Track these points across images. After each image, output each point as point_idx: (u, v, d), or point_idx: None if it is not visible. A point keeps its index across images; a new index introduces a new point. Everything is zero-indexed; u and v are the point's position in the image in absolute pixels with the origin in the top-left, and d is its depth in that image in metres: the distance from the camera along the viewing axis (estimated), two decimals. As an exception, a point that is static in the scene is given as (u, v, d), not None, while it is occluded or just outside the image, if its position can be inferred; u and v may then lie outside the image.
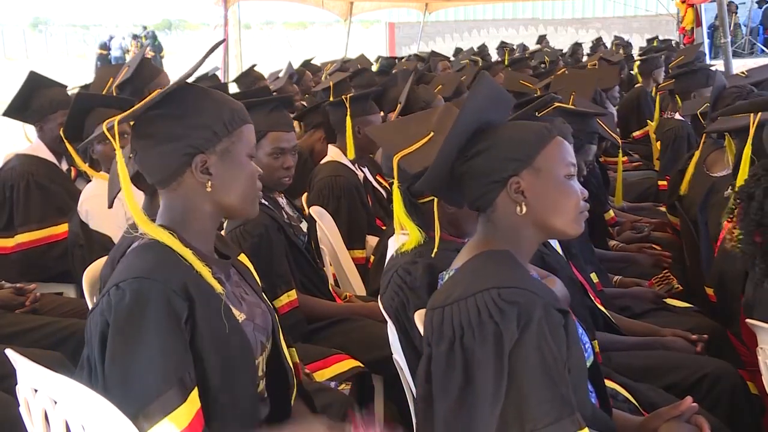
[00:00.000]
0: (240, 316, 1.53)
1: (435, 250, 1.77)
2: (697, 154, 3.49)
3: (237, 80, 5.94)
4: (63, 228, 3.36)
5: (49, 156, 3.51)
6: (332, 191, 3.30)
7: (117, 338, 1.39)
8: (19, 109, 3.50)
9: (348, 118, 3.42)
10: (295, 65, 7.33)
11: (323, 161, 3.54)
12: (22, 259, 3.31)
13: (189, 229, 1.52)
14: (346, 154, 3.44)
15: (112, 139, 1.43)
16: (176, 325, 1.40)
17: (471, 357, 1.41)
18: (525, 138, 1.53)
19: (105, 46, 23.56)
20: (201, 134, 1.48)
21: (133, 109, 1.49)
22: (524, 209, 1.50)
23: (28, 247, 3.31)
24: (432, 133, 1.96)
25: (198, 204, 1.52)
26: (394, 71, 6.54)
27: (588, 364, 1.64)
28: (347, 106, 3.43)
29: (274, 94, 4.34)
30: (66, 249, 3.35)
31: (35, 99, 3.47)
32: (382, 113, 3.96)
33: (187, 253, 1.46)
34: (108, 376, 1.39)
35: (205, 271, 1.47)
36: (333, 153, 3.49)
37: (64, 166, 3.64)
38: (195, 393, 1.40)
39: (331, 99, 4.01)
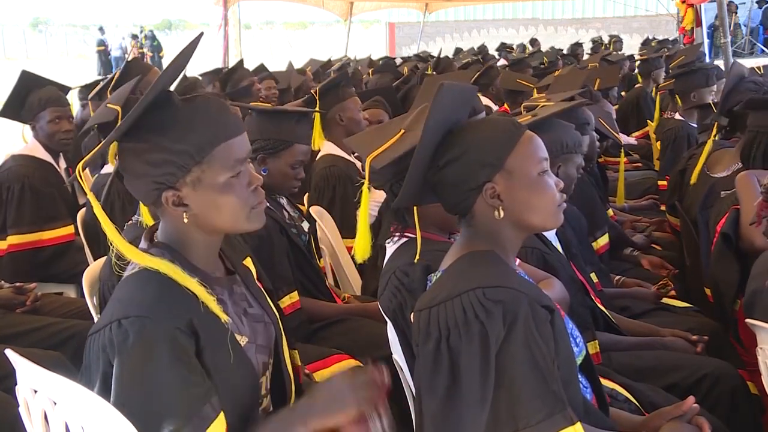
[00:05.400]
0: (242, 340, 1.49)
1: (417, 254, 1.75)
2: (703, 156, 3.43)
3: (222, 80, 5.93)
4: (50, 234, 3.38)
5: (45, 156, 3.51)
6: (327, 182, 3.34)
7: (123, 383, 1.33)
8: (14, 109, 3.51)
9: (317, 109, 3.52)
10: (296, 65, 7.35)
11: (319, 156, 3.58)
12: (10, 262, 3.32)
13: (188, 248, 1.47)
14: (339, 146, 3.49)
15: (83, 183, 1.40)
16: (187, 359, 1.35)
17: (457, 357, 1.41)
18: (494, 141, 1.52)
19: (102, 43, 23.66)
20: (164, 170, 1.39)
21: (95, 150, 1.43)
22: (502, 213, 1.51)
23: (16, 250, 3.32)
24: (402, 131, 1.98)
25: (187, 230, 1.46)
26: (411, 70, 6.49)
27: (580, 359, 1.64)
28: (317, 99, 3.52)
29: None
30: (53, 255, 3.37)
31: (26, 99, 3.48)
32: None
33: (191, 283, 1.39)
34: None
35: (210, 300, 1.40)
36: (327, 147, 3.53)
37: (62, 164, 3.64)
38: (218, 421, 1.36)
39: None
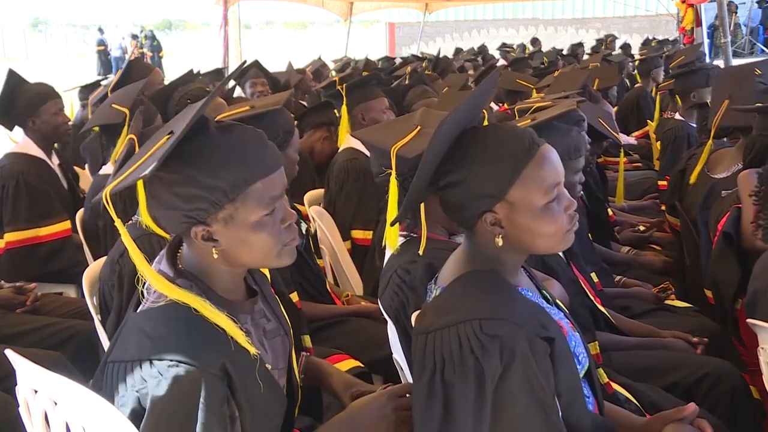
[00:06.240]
0: (268, 366, 1.46)
1: (422, 248, 1.73)
2: (703, 157, 3.42)
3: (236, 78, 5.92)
4: (46, 230, 3.37)
5: (38, 153, 3.50)
6: (348, 174, 3.38)
7: (152, 427, 1.30)
8: (5, 111, 3.48)
9: (344, 107, 3.54)
10: (296, 65, 7.35)
11: (341, 149, 3.60)
12: (9, 260, 3.31)
13: (214, 278, 1.42)
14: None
15: (110, 209, 1.32)
16: (217, 408, 1.32)
17: (451, 391, 1.37)
18: (495, 170, 1.41)
19: (102, 43, 23.74)
20: (196, 205, 1.32)
21: (123, 177, 1.36)
22: (501, 242, 1.45)
23: (14, 248, 3.31)
24: (419, 127, 2.00)
25: (214, 263, 1.41)
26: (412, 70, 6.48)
27: (583, 371, 1.60)
28: (343, 95, 3.53)
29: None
30: (51, 251, 3.37)
31: (20, 96, 3.46)
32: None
33: (220, 319, 1.35)
34: None
35: (239, 335, 1.36)
36: (350, 141, 3.55)
37: (55, 160, 3.63)
38: None
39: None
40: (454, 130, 1.45)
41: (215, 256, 1.37)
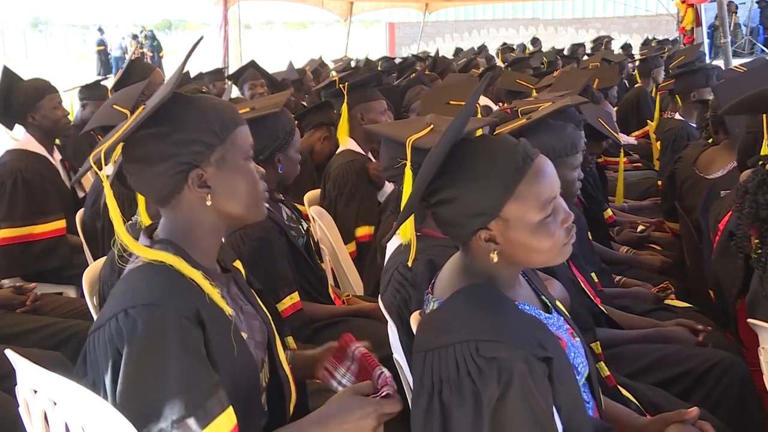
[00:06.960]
0: (243, 335, 1.50)
1: (411, 260, 1.70)
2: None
3: (233, 76, 5.92)
4: (41, 228, 3.38)
5: (39, 149, 3.51)
6: (348, 176, 3.40)
7: (133, 372, 1.32)
8: (3, 110, 3.47)
9: (344, 106, 3.56)
10: (296, 65, 7.34)
11: (338, 151, 3.61)
12: (3, 256, 3.32)
13: (194, 244, 1.47)
14: (358, 143, 3.54)
15: (99, 173, 1.37)
16: (196, 350, 1.34)
17: (449, 413, 1.36)
18: (488, 188, 1.39)
19: (102, 43, 23.78)
20: (192, 148, 1.41)
21: (117, 134, 1.41)
22: (496, 258, 1.43)
23: (8, 244, 3.32)
24: (432, 125, 2.04)
25: (201, 219, 1.47)
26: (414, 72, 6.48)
27: (583, 379, 1.59)
28: (344, 94, 3.55)
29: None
30: (45, 249, 3.37)
31: (17, 94, 3.46)
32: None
33: (196, 275, 1.41)
34: (125, 409, 1.32)
35: (215, 293, 1.42)
36: (348, 143, 3.58)
37: (57, 156, 3.63)
38: (225, 416, 1.35)
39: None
40: (446, 150, 1.42)
41: (209, 203, 1.45)
